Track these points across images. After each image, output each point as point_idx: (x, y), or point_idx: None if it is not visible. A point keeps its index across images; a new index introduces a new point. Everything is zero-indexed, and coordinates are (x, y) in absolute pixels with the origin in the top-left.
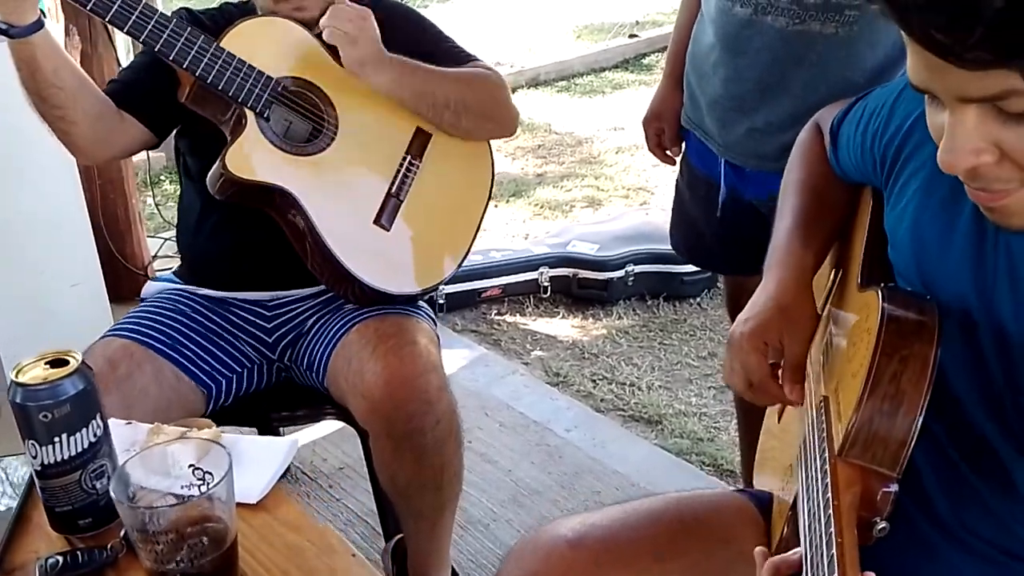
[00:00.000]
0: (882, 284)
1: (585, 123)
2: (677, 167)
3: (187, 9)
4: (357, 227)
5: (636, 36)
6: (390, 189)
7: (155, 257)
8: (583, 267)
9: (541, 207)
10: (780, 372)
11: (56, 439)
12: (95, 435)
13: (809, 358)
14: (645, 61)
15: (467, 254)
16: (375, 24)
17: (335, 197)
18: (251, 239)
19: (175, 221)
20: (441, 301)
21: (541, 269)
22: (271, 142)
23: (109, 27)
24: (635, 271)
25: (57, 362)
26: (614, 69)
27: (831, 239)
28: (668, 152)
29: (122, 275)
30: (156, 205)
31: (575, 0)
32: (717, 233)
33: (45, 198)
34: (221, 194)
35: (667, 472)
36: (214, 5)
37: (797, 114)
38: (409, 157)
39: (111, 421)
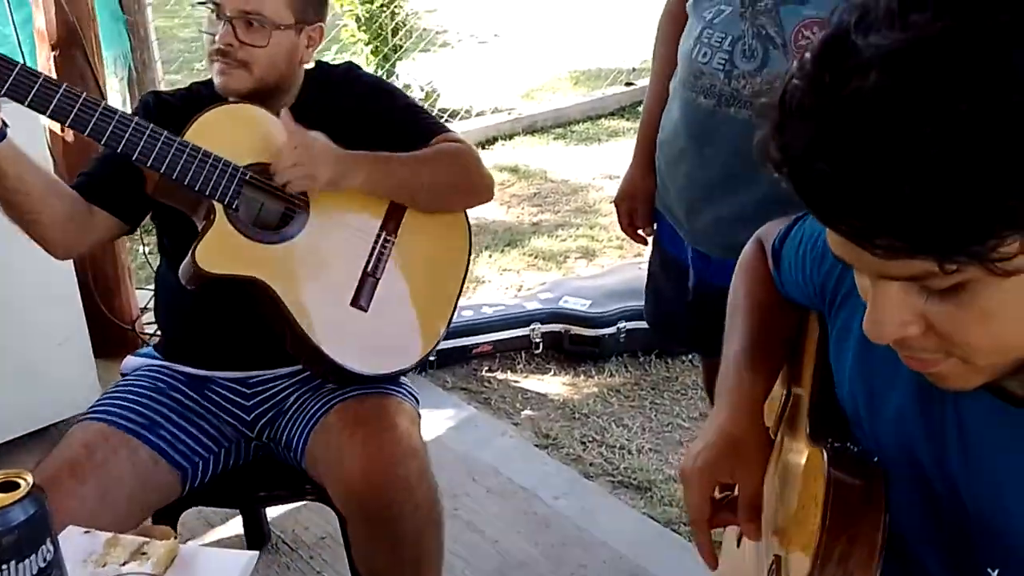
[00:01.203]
0: (829, 442)
1: (581, 171)
2: (650, 246)
3: (154, 93)
4: (334, 311)
5: (632, 84)
6: (366, 268)
7: (144, 310)
8: (575, 323)
9: (535, 257)
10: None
11: (4, 567)
12: (45, 560)
13: (765, 487)
14: (641, 109)
15: (447, 327)
16: (315, 139)
17: (310, 282)
18: (230, 318)
19: None
20: (432, 358)
21: (533, 325)
22: (241, 232)
23: (101, 86)
24: (627, 327)
25: (7, 485)
26: (610, 117)
27: (781, 361)
28: (641, 232)
29: (110, 330)
30: (146, 255)
31: (573, 46)
32: (688, 315)
33: (32, 254)
34: (193, 285)
35: (655, 544)
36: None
37: (764, 205)
38: (384, 234)
39: (69, 530)
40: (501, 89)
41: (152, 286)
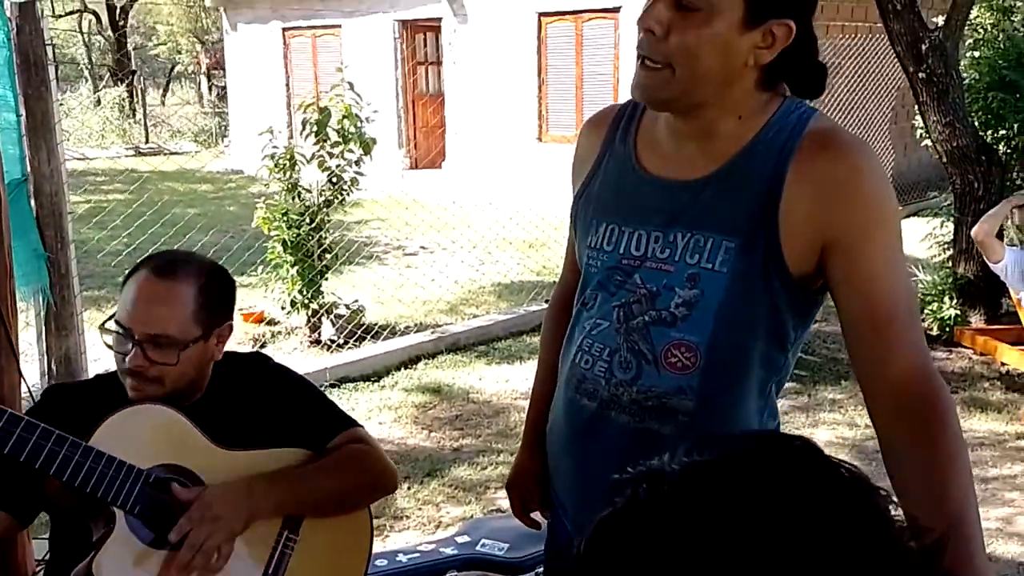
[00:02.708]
0: None
1: (504, 391)
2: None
3: (59, 386)
4: None
5: None
6: (267, 570)
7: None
8: (492, 569)
9: (456, 488)
10: None
11: None
12: None
13: None
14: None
15: None
16: (213, 498)
17: None
18: None
19: None
20: None
21: (449, 573)
22: (140, 539)
23: (12, 339)
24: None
25: None
26: (532, 333)
27: None
28: (537, 515)
29: None
30: None
31: (497, 259)
32: None
33: None
34: None
35: None
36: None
37: None
38: (286, 532)
39: None
40: (427, 303)
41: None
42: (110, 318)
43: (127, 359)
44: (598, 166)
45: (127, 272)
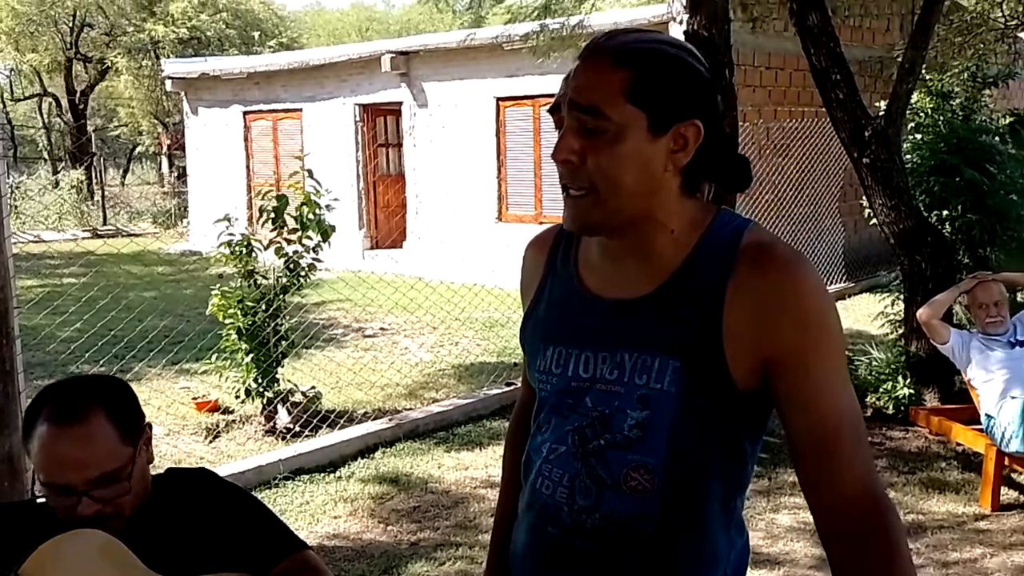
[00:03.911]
0: None
1: (463, 479)
2: None
3: None
4: None
5: (512, 384)
6: None
7: None
8: None
9: None
10: None
11: None
12: None
13: None
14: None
15: None
16: None
17: None
18: None
19: None
20: None
21: None
22: None
23: None
24: None
25: None
26: (492, 417)
27: None
28: None
29: None
30: None
31: (456, 343)
32: None
33: None
34: None
35: None
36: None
37: None
38: None
39: None
40: (385, 388)
41: None
42: (36, 484)
43: (79, 509)
44: (542, 289)
45: (25, 421)
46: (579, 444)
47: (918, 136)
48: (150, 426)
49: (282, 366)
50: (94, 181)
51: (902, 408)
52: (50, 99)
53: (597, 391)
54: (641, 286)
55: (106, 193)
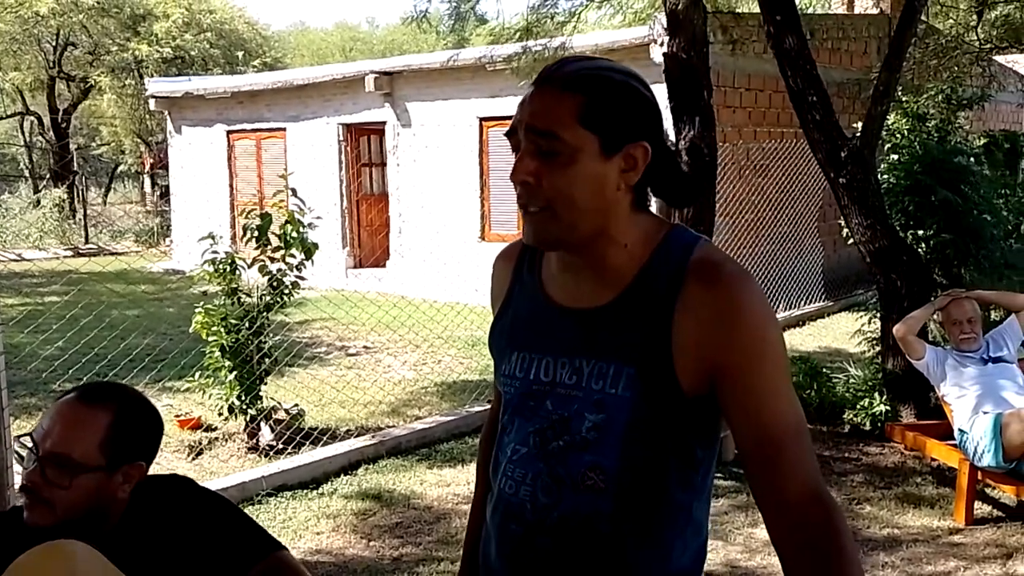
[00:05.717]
0: None
1: (446, 495)
2: None
3: None
4: None
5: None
6: None
7: None
8: None
9: None
10: None
11: None
12: None
13: None
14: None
15: None
16: None
17: None
18: None
19: None
20: None
21: None
22: None
23: None
24: None
25: None
26: (473, 434)
27: None
28: None
29: None
30: None
31: (439, 361)
32: None
33: None
34: None
35: None
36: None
37: None
38: None
39: None
40: (368, 405)
41: None
42: (29, 433)
43: (27, 470)
44: (509, 298)
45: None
46: (540, 445)
47: (894, 157)
48: (142, 472)
49: (265, 383)
50: (76, 200)
51: (879, 424)
52: (32, 118)
53: (557, 395)
54: (598, 297)
55: (88, 212)
